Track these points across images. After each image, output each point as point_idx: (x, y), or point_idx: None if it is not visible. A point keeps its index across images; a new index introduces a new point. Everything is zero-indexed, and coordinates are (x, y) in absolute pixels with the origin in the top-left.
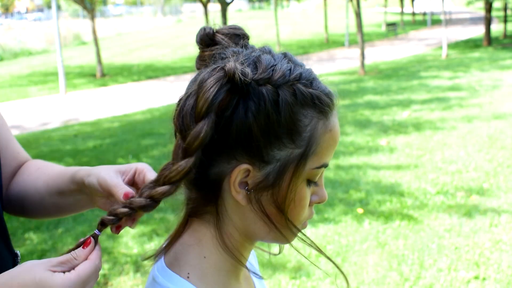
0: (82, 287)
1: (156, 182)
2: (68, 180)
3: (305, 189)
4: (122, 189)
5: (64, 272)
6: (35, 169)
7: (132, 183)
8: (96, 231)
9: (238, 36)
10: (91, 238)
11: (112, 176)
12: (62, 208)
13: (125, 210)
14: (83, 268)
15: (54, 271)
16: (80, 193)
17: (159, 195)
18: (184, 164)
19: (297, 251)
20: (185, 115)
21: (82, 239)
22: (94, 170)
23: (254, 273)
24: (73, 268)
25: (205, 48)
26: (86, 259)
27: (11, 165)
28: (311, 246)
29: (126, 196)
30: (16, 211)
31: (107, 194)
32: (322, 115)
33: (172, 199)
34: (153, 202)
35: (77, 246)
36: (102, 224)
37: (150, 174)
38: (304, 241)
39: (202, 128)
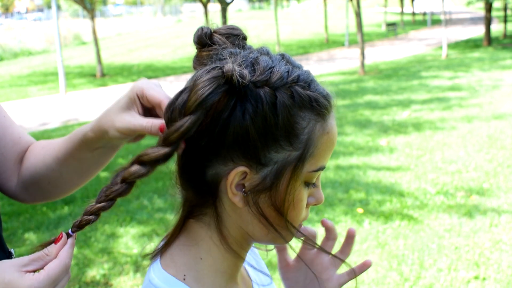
0: (52, 287)
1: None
2: (79, 142)
3: (303, 191)
4: (152, 126)
5: (35, 271)
6: (40, 149)
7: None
8: (70, 231)
9: (236, 37)
10: (63, 233)
11: (129, 119)
12: (86, 169)
13: (104, 204)
14: (52, 267)
15: (25, 271)
16: (100, 146)
17: (128, 175)
18: (156, 150)
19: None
20: (175, 108)
21: (53, 238)
22: (105, 125)
23: (264, 273)
24: (46, 264)
25: (202, 48)
26: (57, 255)
27: (14, 151)
28: (312, 245)
29: (162, 129)
30: (36, 197)
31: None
32: (319, 117)
33: (172, 199)
34: (127, 185)
35: (49, 243)
36: (79, 227)
37: (149, 93)
38: (305, 241)
39: (186, 122)
